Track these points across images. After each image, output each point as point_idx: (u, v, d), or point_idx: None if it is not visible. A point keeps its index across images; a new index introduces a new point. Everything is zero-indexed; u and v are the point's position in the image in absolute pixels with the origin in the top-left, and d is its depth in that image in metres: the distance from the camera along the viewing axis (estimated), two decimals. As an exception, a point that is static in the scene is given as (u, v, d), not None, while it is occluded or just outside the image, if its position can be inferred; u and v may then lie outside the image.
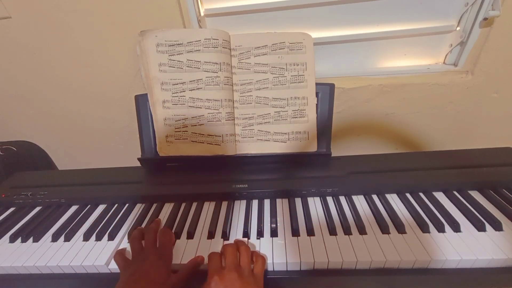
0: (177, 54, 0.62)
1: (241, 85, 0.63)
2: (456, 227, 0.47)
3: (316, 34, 0.70)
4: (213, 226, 0.52)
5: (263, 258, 0.44)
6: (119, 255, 0.47)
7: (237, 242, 0.47)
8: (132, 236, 0.50)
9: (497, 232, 0.46)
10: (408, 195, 0.57)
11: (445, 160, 0.62)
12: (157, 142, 0.65)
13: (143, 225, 0.56)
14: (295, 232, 0.50)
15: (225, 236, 0.51)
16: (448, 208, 0.52)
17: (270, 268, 0.46)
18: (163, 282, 0.41)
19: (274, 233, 0.50)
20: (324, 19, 0.71)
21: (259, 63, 0.62)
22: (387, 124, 0.82)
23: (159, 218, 0.57)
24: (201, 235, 0.52)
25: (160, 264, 0.43)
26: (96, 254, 0.49)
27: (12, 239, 0.55)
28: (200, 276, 0.44)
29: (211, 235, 0.51)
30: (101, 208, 0.63)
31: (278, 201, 0.58)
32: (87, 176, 0.71)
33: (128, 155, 0.98)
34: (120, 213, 0.60)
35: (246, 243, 0.48)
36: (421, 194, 0.56)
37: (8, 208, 0.65)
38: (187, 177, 0.65)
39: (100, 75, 0.81)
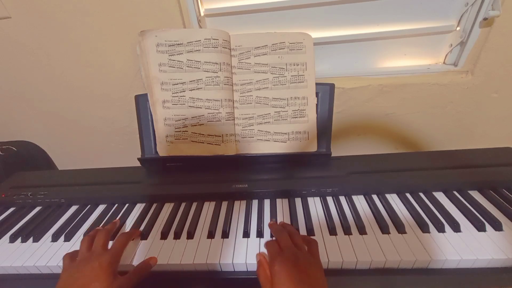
0: (177, 54, 0.62)
1: (241, 85, 0.63)
2: (456, 227, 0.47)
3: (316, 34, 0.70)
4: (213, 226, 0.52)
5: (314, 240, 0.46)
6: (69, 255, 0.46)
7: (284, 225, 0.49)
8: (84, 236, 0.48)
9: (497, 232, 0.46)
10: (408, 195, 0.56)
11: (445, 160, 0.62)
12: (157, 142, 0.65)
13: (143, 226, 0.55)
14: (295, 232, 0.50)
15: (225, 235, 0.51)
16: (448, 208, 0.52)
17: (270, 268, 0.46)
18: (103, 285, 0.39)
19: (274, 233, 0.50)
20: (324, 19, 0.71)
21: (259, 63, 0.62)
22: (387, 124, 0.82)
23: (118, 219, 0.56)
24: (201, 235, 0.52)
25: (104, 266, 0.41)
26: (96, 254, 0.49)
27: (12, 239, 0.55)
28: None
29: (211, 235, 0.51)
30: (101, 208, 0.63)
31: (278, 201, 0.58)
32: (87, 176, 0.71)
33: (128, 155, 0.98)
34: (120, 213, 0.60)
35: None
36: (421, 194, 0.56)
37: (8, 208, 0.65)
38: (187, 177, 0.65)
39: (100, 75, 0.81)
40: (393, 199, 0.56)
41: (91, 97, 0.85)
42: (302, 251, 0.42)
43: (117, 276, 0.42)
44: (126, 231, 0.53)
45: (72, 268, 0.43)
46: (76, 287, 0.39)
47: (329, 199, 0.57)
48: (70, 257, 0.45)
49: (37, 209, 0.64)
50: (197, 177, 0.64)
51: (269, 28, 0.73)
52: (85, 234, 0.54)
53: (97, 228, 0.52)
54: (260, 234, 0.50)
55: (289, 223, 0.52)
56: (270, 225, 0.51)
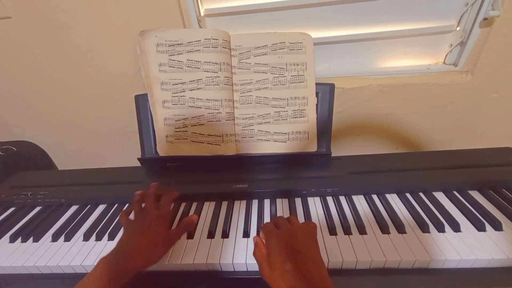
0: (177, 54, 0.62)
1: (241, 85, 0.63)
2: (456, 227, 0.47)
3: (316, 34, 0.70)
4: (213, 226, 0.52)
5: (313, 222, 0.46)
6: (124, 214, 0.51)
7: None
8: (134, 199, 0.53)
9: (497, 232, 0.46)
10: (408, 195, 0.56)
11: (445, 160, 0.62)
12: (157, 142, 0.65)
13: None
14: (295, 232, 0.50)
15: (225, 235, 0.51)
16: (448, 208, 0.52)
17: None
18: (162, 235, 0.47)
19: (274, 233, 0.50)
20: (324, 19, 0.71)
21: (259, 63, 0.62)
22: (387, 124, 0.82)
23: (156, 183, 0.58)
24: (201, 235, 0.52)
25: (160, 221, 0.48)
26: (96, 254, 0.49)
27: (12, 239, 0.55)
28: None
29: (211, 235, 0.51)
30: (101, 208, 0.63)
31: (278, 201, 0.58)
32: (87, 176, 0.71)
33: (128, 155, 0.98)
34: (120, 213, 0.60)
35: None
36: (421, 194, 0.56)
37: (8, 208, 0.65)
38: (187, 177, 0.65)
39: (100, 75, 0.81)
40: (393, 199, 0.56)
41: (91, 97, 0.85)
42: (299, 227, 0.43)
43: (168, 229, 0.49)
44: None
45: (135, 222, 0.49)
46: (145, 235, 0.46)
47: (329, 199, 0.57)
48: (126, 214, 0.51)
49: (37, 209, 0.64)
50: (197, 177, 0.64)
51: (269, 28, 0.73)
52: (85, 234, 0.54)
53: (140, 191, 0.55)
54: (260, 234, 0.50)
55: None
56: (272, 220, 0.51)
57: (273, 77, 0.62)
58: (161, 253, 0.46)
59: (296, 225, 0.43)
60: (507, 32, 0.64)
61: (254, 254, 0.43)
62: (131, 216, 0.51)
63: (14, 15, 0.72)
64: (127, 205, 0.62)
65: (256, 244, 0.44)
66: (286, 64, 0.62)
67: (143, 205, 0.53)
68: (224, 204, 0.59)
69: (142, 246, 0.44)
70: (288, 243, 0.39)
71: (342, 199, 0.57)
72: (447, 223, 0.48)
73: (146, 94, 0.64)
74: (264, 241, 0.43)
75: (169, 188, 0.57)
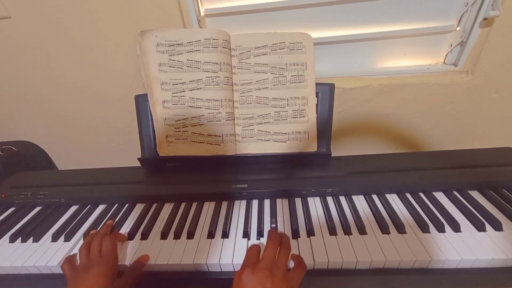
0: (177, 54, 0.62)
1: (241, 85, 0.63)
2: (456, 227, 0.47)
3: (316, 34, 0.70)
4: (213, 226, 0.52)
5: (304, 264, 0.43)
6: (67, 263, 0.47)
7: (282, 238, 0.47)
8: (83, 243, 0.50)
9: (497, 232, 0.46)
10: (408, 195, 0.56)
11: (445, 160, 0.62)
12: (157, 142, 0.65)
13: (142, 226, 0.55)
14: (295, 232, 0.50)
15: (225, 236, 0.51)
16: (448, 208, 0.52)
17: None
18: None
19: (274, 233, 0.50)
20: (324, 19, 0.71)
21: (259, 63, 0.62)
22: (387, 124, 0.82)
23: (111, 221, 0.56)
24: (201, 235, 0.52)
25: (102, 273, 0.43)
26: (96, 254, 0.49)
27: (12, 239, 0.55)
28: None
29: (211, 235, 0.51)
30: (101, 208, 0.63)
31: (278, 201, 0.58)
32: (87, 176, 0.71)
33: (128, 155, 0.98)
34: (120, 213, 0.60)
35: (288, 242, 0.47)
36: (421, 194, 0.56)
37: (8, 208, 0.65)
38: (187, 177, 0.65)
39: (100, 75, 0.81)
40: (393, 199, 0.56)
41: (91, 97, 0.85)
42: (279, 271, 0.40)
43: (114, 280, 0.45)
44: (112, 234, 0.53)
45: (74, 278, 0.44)
46: None
47: (329, 199, 0.57)
48: (69, 265, 0.47)
49: (37, 209, 0.64)
50: (197, 177, 0.64)
51: (269, 28, 0.73)
52: (84, 234, 0.54)
53: (91, 232, 0.53)
54: (260, 234, 0.50)
55: (289, 223, 0.52)
56: (269, 230, 0.49)
57: (273, 77, 0.62)
58: None
59: (281, 264, 0.42)
60: (507, 32, 0.64)
61: (234, 276, 0.41)
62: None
63: (14, 15, 0.72)
64: (126, 205, 0.62)
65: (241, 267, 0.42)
66: (286, 64, 0.62)
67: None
68: (224, 204, 0.59)
69: None
70: (261, 286, 0.37)
71: (342, 199, 0.57)
72: (447, 223, 0.48)
73: (146, 94, 0.64)
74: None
75: (115, 232, 0.53)
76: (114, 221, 0.57)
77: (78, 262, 0.48)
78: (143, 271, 0.47)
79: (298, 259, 0.44)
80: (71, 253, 0.51)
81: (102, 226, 0.55)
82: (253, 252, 0.44)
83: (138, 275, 0.46)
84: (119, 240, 0.51)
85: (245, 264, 0.42)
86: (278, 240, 0.46)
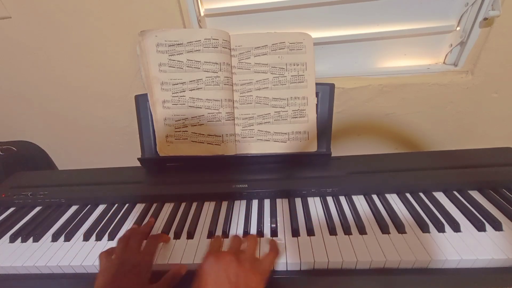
0: (177, 54, 0.62)
1: (241, 85, 0.63)
2: (456, 227, 0.47)
3: (316, 34, 0.70)
4: (213, 226, 0.52)
5: (276, 250, 0.42)
6: (106, 252, 0.46)
7: (249, 235, 0.46)
8: (122, 235, 0.48)
9: (497, 232, 0.46)
10: (408, 195, 0.56)
11: (445, 160, 0.62)
12: (157, 142, 0.65)
13: (143, 224, 0.55)
14: (295, 232, 0.50)
15: (225, 236, 0.51)
16: (448, 208, 0.52)
17: (270, 268, 0.46)
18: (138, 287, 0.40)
19: (274, 233, 0.50)
20: (324, 19, 0.71)
21: (259, 63, 0.62)
22: (387, 124, 0.82)
23: (153, 219, 0.56)
24: (201, 235, 0.52)
25: (136, 272, 0.41)
26: (96, 254, 0.49)
27: (12, 239, 0.55)
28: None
29: (211, 235, 0.51)
30: (101, 208, 0.63)
31: (278, 201, 0.58)
32: (87, 176, 0.71)
33: (128, 155, 0.98)
34: (120, 213, 0.60)
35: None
36: (421, 194, 0.56)
37: (8, 208, 0.65)
38: (187, 177, 0.65)
39: (100, 75, 0.81)
40: (393, 199, 0.56)
41: (91, 97, 0.85)
42: (246, 256, 0.39)
43: (146, 283, 0.42)
44: (156, 233, 0.52)
45: (110, 270, 0.42)
46: (117, 284, 0.39)
47: (329, 199, 0.57)
48: (106, 257, 0.45)
49: (37, 209, 0.64)
50: (197, 177, 0.64)
51: (269, 28, 0.73)
52: (85, 234, 0.54)
53: (133, 227, 0.52)
54: (260, 234, 0.50)
55: (289, 223, 0.52)
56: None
57: (273, 77, 0.62)
58: None
59: (249, 250, 0.40)
60: (507, 32, 0.64)
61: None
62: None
63: (14, 15, 0.72)
64: (126, 205, 0.62)
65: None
66: (286, 64, 0.62)
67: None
68: (224, 204, 0.59)
69: None
70: (225, 272, 0.35)
71: (342, 199, 0.57)
72: (447, 223, 0.48)
73: (146, 94, 0.64)
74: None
75: (161, 234, 0.51)
76: (155, 220, 0.56)
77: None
78: (177, 280, 0.44)
79: (272, 243, 0.43)
80: (72, 255, 0.50)
81: (144, 224, 0.54)
82: (216, 241, 0.43)
83: (173, 284, 0.43)
84: (163, 240, 0.49)
85: (207, 254, 0.39)
86: (240, 237, 0.46)
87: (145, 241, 0.48)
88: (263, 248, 0.47)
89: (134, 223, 0.56)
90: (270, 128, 0.64)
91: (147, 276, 0.42)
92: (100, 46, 0.75)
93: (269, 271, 0.40)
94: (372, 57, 0.77)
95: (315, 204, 0.57)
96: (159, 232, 0.53)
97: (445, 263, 0.43)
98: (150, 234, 0.52)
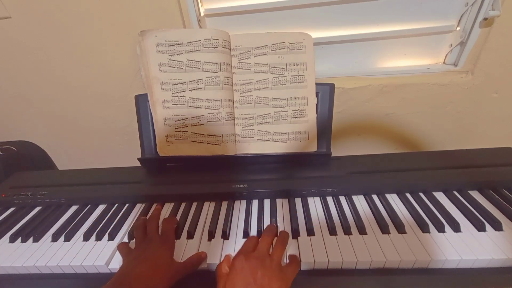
0: (177, 54, 0.62)
1: (241, 85, 0.63)
2: (456, 227, 0.47)
3: (316, 34, 0.70)
4: (213, 226, 0.52)
5: (298, 261, 0.44)
6: (123, 244, 0.49)
7: (280, 232, 0.48)
8: (135, 225, 0.51)
9: (497, 232, 0.46)
10: (408, 195, 0.57)
11: (445, 160, 0.62)
12: (157, 142, 0.65)
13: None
14: (295, 232, 0.50)
15: (225, 236, 0.51)
16: (448, 208, 0.52)
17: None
18: (167, 265, 0.43)
19: (274, 233, 0.50)
20: (324, 19, 0.71)
21: (259, 63, 0.62)
22: (387, 124, 0.82)
23: (159, 206, 0.59)
24: (201, 235, 0.52)
25: (164, 249, 0.45)
26: (96, 254, 0.49)
27: (12, 239, 0.55)
28: (200, 276, 0.45)
29: (211, 235, 0.51)
30: (101, 208, 0.63)
31: (278, 201, 0.58)
32: (87, 176, 0.71)
33: (128, 155, 0.98)
34: (120, 213, 0.60)
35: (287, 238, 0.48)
36: (421, 194, 0.56)
37: (8, 208, 0.65)
38: (187, 177, 0.65)
39: (100, 75, 0.81)
40: (393, 199, 0.56)
41: (91, 97, 0.85)
42: (273, 262, 0.41)
43: (173, 260, 0.45)
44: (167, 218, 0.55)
45: (135, 251, 0.45)
46: (149, 263, 0.42)
47: (329, 199, 0.57)
48: (126, 245, 0.48)
49: (37, 209, 0.64)
50: (197, 177, 0.64)
51: (269, 28, 0.73)
52: (85, 234, 0.54)
53: (142, 217, 0.54)
54: (260, 234, 0.50)
55: (289, 223, 0.52)
56: (268, 225, 0.51)
57: (273, 77, 0.62)
58: (165, 284, 0.41)
59: (275, 256, 0.43)
60: (507, 32, 0.64)
61: (217, 267, 0.43)
62: (131, 245, 0.49)
63: (14, 15, 0.72)
64: (126, 205, 0.62)
65: (224, 260, 0.44)
66: (286, 64, 0.62)
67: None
68: (224, 204, 0.59)
69: (145, 276, 0.41)
70: (248, 273, 0.38)
71: (342, 199, 0.57)
72: (447, 223, 0.48)
73: (146, 94, 0.64)
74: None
75: (171, 216, 0.55)
76: (162, 207, 0.59)
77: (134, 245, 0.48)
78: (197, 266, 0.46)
79: (293, 257, 0.45)
80: (72, 255, 0.50)
81: (153, 210, 0.57)
82: (250, 242, 0.45)
83: (194, 269, 0.46)
84: (175, 222, 0.53)
85: (239, 252, 0.42)
86: (274, 233, 0.48)
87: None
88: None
89: (133, 224, 0.56)
90: (270, 128, 0.64)
91: (171, 253, 0.46)
92: (100, 46, 0.75)
93: (291, 281, 0.42)
94: (372, 57, 0.77)
95: (315, 204, 0.57)
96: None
97: (445, 263, 0.43)
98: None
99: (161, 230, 0.50)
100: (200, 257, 0.46)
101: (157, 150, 0.65)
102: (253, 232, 0.51)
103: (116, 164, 0.74)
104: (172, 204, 0.61)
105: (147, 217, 0.55)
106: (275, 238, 0.47)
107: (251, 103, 0.63)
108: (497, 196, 0.53)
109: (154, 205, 0.61)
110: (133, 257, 0.44)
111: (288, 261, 0.45)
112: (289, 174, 0.62)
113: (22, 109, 0.91)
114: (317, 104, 0.62)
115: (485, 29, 0.65)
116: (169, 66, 0.62)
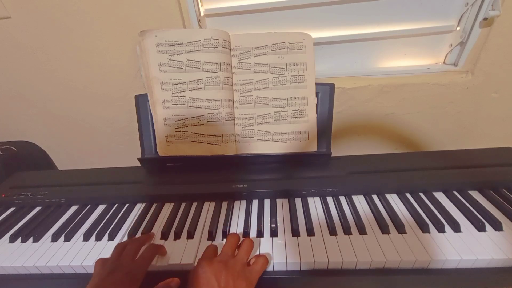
0: (177, 54, 0.62)
1: (241, 85, 0.63)
2: (456, 227, 0.47)
3: (316, 34, 0.70)
4: (213, 226, 0.52)
5: (265, 258, 0.44)
6: (102, 260, 0.45)
7: (246, 239, 0.47)
8: (119, 243, 0.48)
9: (497, 232, 0.46)
10: (408, 195, 0.56)
11: (445, 160, 0.62)
12: (157, 142, 0.65)
13: (143, 226, 0.55)
14: (295, 232, 0.50)
15: (225, 236, 0.51)
16: (448, 208, 0.52)
17: (270, 268, 0.46)
18: None
19: (274, 233, 0.50)
20: (324, 19, 0.71)
21: (259, 63, 0.62)
22: (387, 124, 0.82)
23: (153, 232, 0.54)
24: (201, 235, 0.52)
25: (126, 280, 0.41)
26: (96, 254, 0.49)
27: (12, 239, 0.55)
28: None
29: (211, 235, 0.51)
30: (101, 208, 0.63)
31: (278, 201, 0.58)
32: (87, 176, 0.71)
33: (128, 155, 0.98)
34: (120, 213, 0.60)
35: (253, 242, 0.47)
36: (421, 194, 0.56)
37: (8, 208, 0.65)
38: (187, 177, 0.65)
39: (100, 75, 0.81)
40: (393, 199, 0.56)
41: (91, 97, 0.85)
42: (237, 263, 0.41)
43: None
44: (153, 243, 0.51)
45: (100, 275, 0.42)
46: None
47: (329, 199, 0.57)
48: (102, 264, 0.44)
49: (37, 209, 0.64)
50: (197, 177, 0.64)
51: (269, 28, 0.73)
52: (85, 234, 0.54)
53: (132, 238, 0.51)
54: (260, 234, 0.50)
55: (289, 223, 0.52)
56: (232, 233, 0.50)
57: (273, 77, 0.62)
58: None
59: (239, 257, 0.43)
60: (507, 32, 0.64)
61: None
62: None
63: (14, 15, 0.72)
64: (126, 205, 0.62)
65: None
66: (286, 64, 0.62)
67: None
68: (224, 204, 0.59)
69: None
70: (216, 277, 0.38)
71: (342, 199, 0.57)
72: (447, 223, 0.48)
73: (146, 94, 0.64)
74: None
75: (159, 245, 0.49)
76: (154, 236, 0.54)
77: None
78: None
79: (258, 256, 0.45)
80: (72, 255, 0.50)
81: (144, 235, 0.53)
82: (210, 249, 0.45)
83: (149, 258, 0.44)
84: (161, 253, 0.48)
85: (201, 259, 0.42)
86: (237, 237, 0.48)
87: (142, 249, 0.47)
88: (264, 248, 0.47)
89: (133, 224, 0.56)
90: (270, 128, 0.63)
91: (138, 284, 0.42)
92: (100, 46, 0.75)
93: (256, 279, 0.42)
94: (372, 57, 0.77)
95: (315, 204, 0.57)
96: (159, 231, 0.53)
97: (445, 263, 0.43)
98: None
99: (138, 257, 0.45)
100: (168, 285, 0.46)
101: (157, 150, 0.65)
102: (253, 232, 0.51)
103: (116, 164, 0.74)
104: (172, 204, 0.61)
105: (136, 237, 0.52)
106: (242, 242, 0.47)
107: (251, 103, 0.63)
108: (497, 196, 0.53)
109: (154, 205, 0.61)
110: (97, 279, 0.41)
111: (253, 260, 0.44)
112: (289, 174, 0.62)
113: (22, 109, 0.91)
114: (317, 104, 0.62)
115: (485, 29, 0.65)
116: (169, 66, 0.62)
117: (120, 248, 0.46)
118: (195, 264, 0.46)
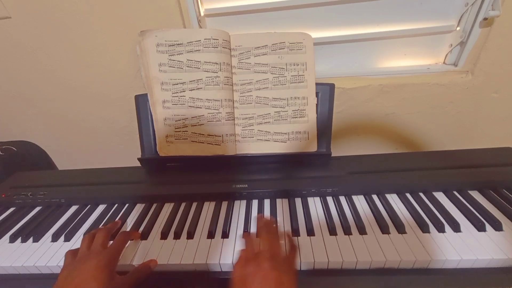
0: (177, 54, 0.62)
1: (241, 85, 0.63)
2: (456, 227, 0.47)
3: (316, 34, 0.70)
4: (213, 226, 0.52)
5: (296, 246, 0.45)
6: (71, 252, 0.46)
7: (269, 224, 0.46)
8: (86, 234, 0.48)
9: (497, 232, 0.46)
10: (408, 195, 0.57)
11: (445, 160, 0.62)
12: (157, 142, 0.65)
13: (142, 225, 0.55)
14: (295, 232, 0.50)
15: (225, 236, 0.51)
16: (448, 208, 0.52)
17: (270, 268, 0.46)
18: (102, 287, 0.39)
19: (274, 233, 0.50)
20: (324, 19, 0.71)
21: (259, 63, 0.62)
22: (387, 124, 0.82)
23: (119, 220, 0.55)
24: (201, 235, 0.52)
25: (101, 266, 0.41)
26: (96, 254, 0.49)
27: (12, 239, 0.55)
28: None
29: (211, 235, 0.51)
30: (101, 208, 0.63)
31: (278, 201, 0.58)
32: (87, 176, 0.71)
33: (128, 155, 0.98)
34: (120, 213, 0.60)
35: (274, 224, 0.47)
36: (421, 194, 0.56)
37: (8, 208, 0.65)
38: (187, 177, 0.65)
39: (100, 75, 0.81)
40: (393, 199, 0.56)
41: (91, 97, 0.85)
42: (279, 258, 0.40)
43: (114, 276, 0.42)
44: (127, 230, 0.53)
45: (70, 266, 0.42)
46: (73, 285, 0.38)
47: (329, 199, 0.57)
48: (72, 254, 0.45)
49: (37, 209, 0.64)
50: (197, 177, 0.64)
51: (269, 28, 0.73)
52: (85, 234, 0.54)
53: (99, 227, 0.52)
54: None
55: (289, 223, 0.52)
56: (258, 218, 0.51)
57: (273, 77, 0.62)
58: None
59: (277, 251, 0.41)
60: (507, 32, 0.64)
61: (234, 268, 0.40)
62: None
63: (14, 15, 0.72)
64: (126, 205, 0.62)
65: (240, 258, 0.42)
66: (286, 64, 0.62)
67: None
68: (224, 204, 0.59)
69: None
70: (265, 277, 0.36)
71: (342, 199, 0.57)
72: (447, 223, 0.48)
73: (146, 94, 0.64)
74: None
75: (132, 230, 0.51)
76: (122, 222, 0.56)
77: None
78: (147, 275, 0.45)
79: (289, 241, 0.45)
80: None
81: (111, 223, 0.54)
82: (251, 245, 0.44)
83: (142, 279, 0.44)
84: (133, 237, 0.50)
85: (246, 260, 0.40)
86: (267, 228, 0.46)
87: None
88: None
89: (133, 224, 0.56)
90: (270, 128, 0.63)
91: (112, 269, 0.42)
92: (100, 46, 0.75)
93: (295, 268, 0.42)
94: (372, 57, 0.77)
95: (315, 204, 0.57)
96: (159, 231, 0.53)
97: (445, 263, 0.43)
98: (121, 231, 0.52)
99: (110, 245, 0.46)
100: (147, 267, 0.45)
101: (157, 150, 0.65)
102: (253, 232, 0.51)
103: (116, 164, 0.74)
104: (172, 204, 0.61)
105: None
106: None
107: (251, 103, 0.63)
108: (497, 196, 0.53)
109: (154, 205, 0.61)
110: (63, 274, 0.40)
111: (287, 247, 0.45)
112: (289, 174, 0.62)
113: (22, 109, 0.91)
114: (317, 104, 0.62)
115: (485, 29, 0.65)
116: (169, 66, 0.62)
117: (89, 238, 0.47)
118: (198, 264, 0.46)
